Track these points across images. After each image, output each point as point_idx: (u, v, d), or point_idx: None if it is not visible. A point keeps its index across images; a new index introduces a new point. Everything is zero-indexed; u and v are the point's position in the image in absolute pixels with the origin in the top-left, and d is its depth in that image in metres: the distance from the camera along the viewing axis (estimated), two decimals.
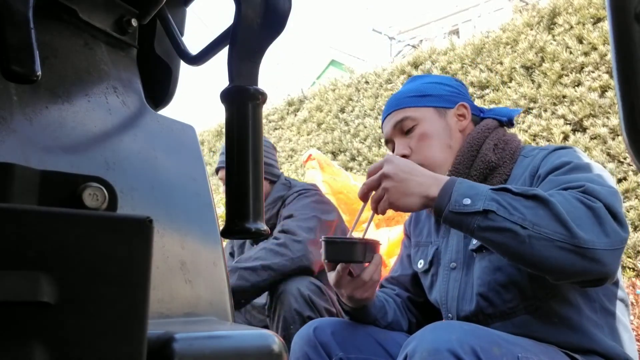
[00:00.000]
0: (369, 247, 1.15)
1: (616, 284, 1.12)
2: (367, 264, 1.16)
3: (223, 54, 0.60)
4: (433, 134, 1.24)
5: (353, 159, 5.46)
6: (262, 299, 1.98)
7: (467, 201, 0.97)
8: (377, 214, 1.08)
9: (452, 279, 1.21)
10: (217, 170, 2.26)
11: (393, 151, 1.31)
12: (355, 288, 1.16)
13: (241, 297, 1.80)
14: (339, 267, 1.16)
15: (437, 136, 1.24)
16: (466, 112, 1.28)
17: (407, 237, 1.45)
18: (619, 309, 1.11)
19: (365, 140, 5.46)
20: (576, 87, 4.03)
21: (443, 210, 0.99)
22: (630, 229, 3.42)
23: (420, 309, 1.37)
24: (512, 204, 0.95)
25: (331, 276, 1.19)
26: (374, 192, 1.08)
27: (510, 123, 1.29)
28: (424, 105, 1.27)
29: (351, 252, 1.13)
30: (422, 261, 1.32)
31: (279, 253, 1.82)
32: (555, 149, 1.14)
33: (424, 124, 1.25)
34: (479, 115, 1.30)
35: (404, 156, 1.24)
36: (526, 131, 4.13)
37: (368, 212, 1.13)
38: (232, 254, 2.26)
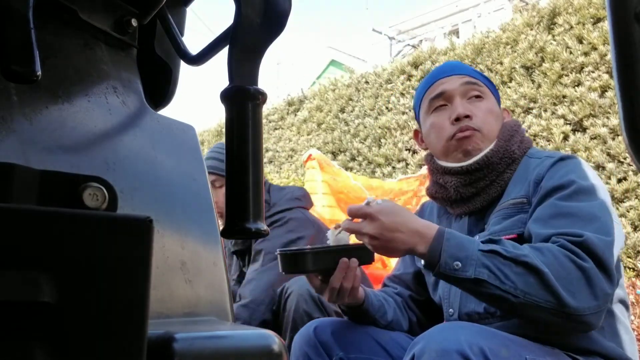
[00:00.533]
0: (326, 255, 1.15)
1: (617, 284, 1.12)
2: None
3: (223, 54, 0.60)
4: (496, 114, 1.28)
5: (353, 159, 5.46)
6: None
7: (458, 265, 0.99)
8: None
9: None
10: None
11: (436, 108, 1.29)
12: (331, 294, 1.18)
13: None
14: (305, 275, 1.20)
15: (496, 118, 1.28)
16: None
17: None
18: (620, 310, 1.11)
19: (365, 140, 5.46)
20: (576, 87, 4.03)
21: (434, 268, 1.02)
22: (630, 229, 3.42)
23: (422, 308, 1.37)
24: (503, 271, 0.97)
25: None
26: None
27: None
28: (489, 89, 1.32)
29: (303, 262, 1.14)
30: None
31: (242, 315, 1.85)
32: (560, 158, 1.15)
33: (490, 101, 1.29)
34: None
35: (466, 116, 1.24)
36: (526, 131, 4.13)
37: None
38: None
